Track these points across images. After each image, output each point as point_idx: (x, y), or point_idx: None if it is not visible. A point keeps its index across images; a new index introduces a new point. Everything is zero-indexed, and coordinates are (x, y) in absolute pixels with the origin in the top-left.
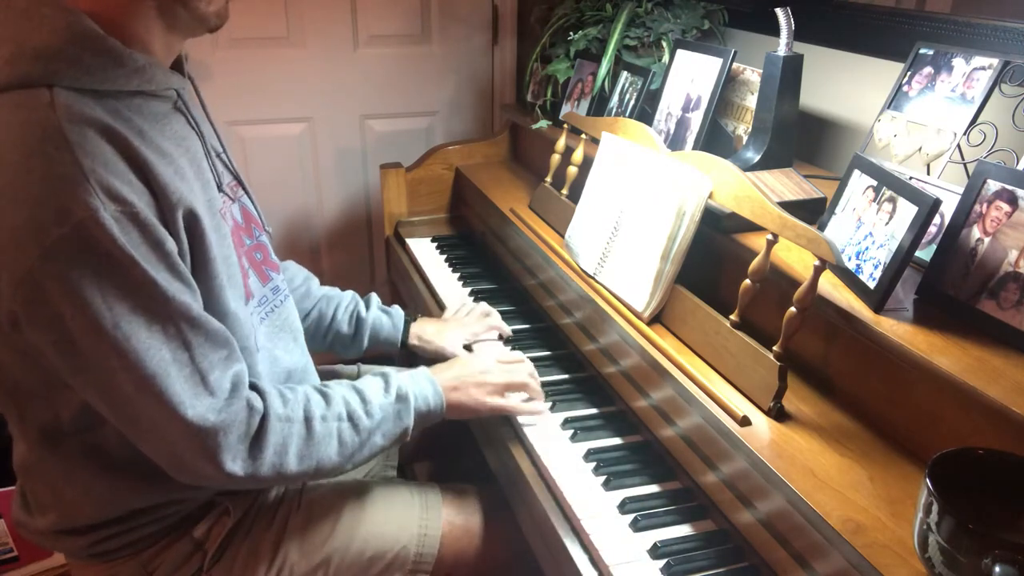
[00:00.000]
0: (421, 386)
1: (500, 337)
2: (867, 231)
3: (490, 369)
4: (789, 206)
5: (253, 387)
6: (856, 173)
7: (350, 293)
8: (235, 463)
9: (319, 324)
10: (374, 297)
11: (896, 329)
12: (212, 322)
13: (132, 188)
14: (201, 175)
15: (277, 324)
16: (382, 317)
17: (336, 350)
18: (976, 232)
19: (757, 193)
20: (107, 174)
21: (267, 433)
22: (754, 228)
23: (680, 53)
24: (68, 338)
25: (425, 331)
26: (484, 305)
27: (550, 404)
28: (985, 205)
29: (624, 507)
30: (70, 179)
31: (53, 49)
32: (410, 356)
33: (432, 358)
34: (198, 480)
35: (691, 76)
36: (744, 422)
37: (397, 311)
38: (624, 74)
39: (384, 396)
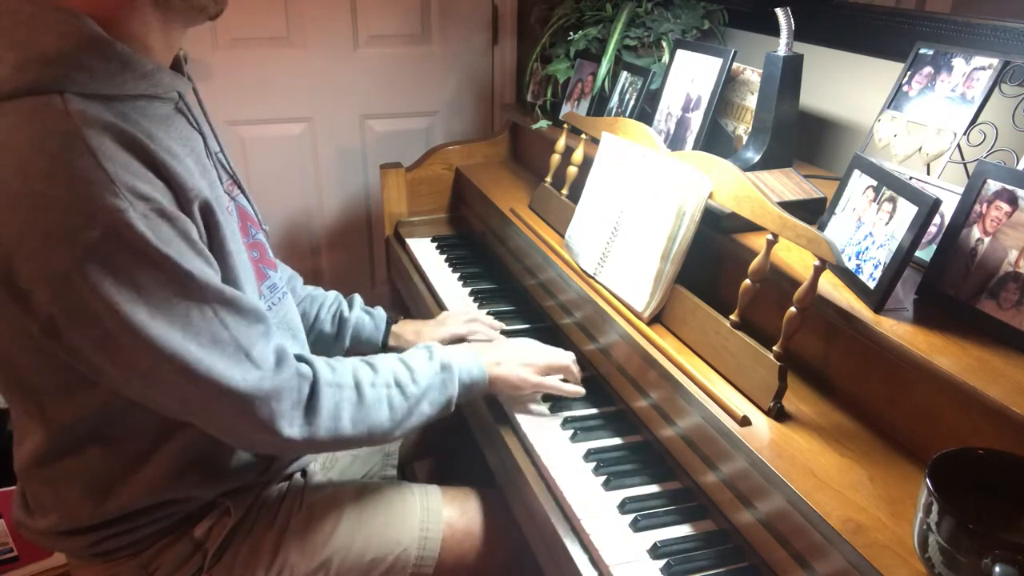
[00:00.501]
0: (464, 358)
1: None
2: (867, 231)
3: (534, 349)
4: (789, 206)
5: (301, 358)
6: (856, 173)
7: (333, 293)
8: (292, 428)
9: (303, 323)
10: (357, 298)
11: (896, 329)
12: (246, 300)
13: (154, 186)
14: (207, 174)
15: (275, 322)
16: (364, 318)
17: (319, 350)
18: (976, 232)
19: (757, 193)
20: (129, 175)
21: (319, 399)
22: (754, 228)
23: (680, 53)
24: (109, 337)
25: (405, 332)
26: (472, 309)
27: (549, 404)
28: (985, 205)
29: (624, 507)
30: (96, 183)
31: (62, 55)
32: None
33: None
34: (258, 448)
35: (691, 76)
36: (744, 422)
37: (379, 312)
38: (624, 74)
39: (428, 365)
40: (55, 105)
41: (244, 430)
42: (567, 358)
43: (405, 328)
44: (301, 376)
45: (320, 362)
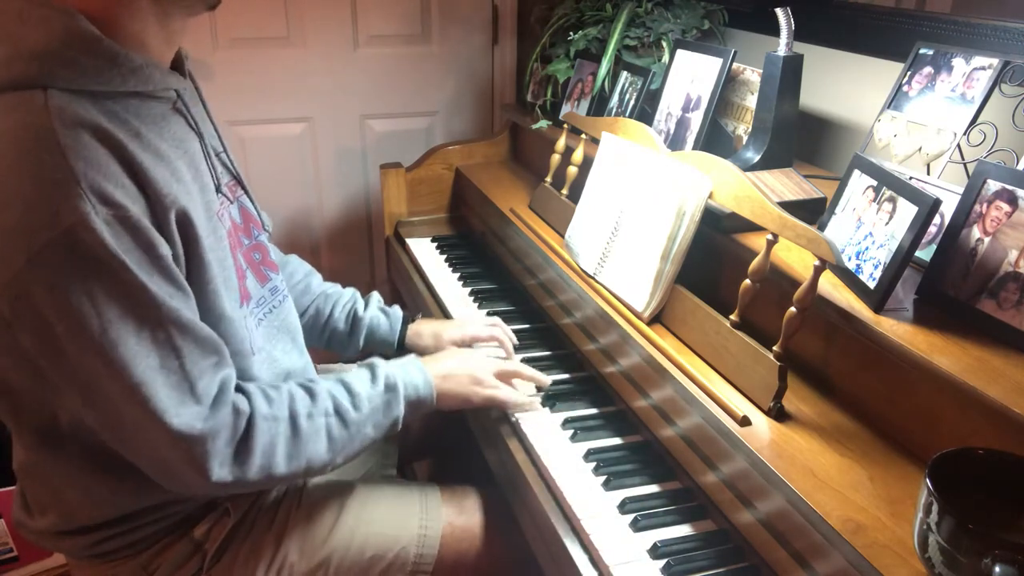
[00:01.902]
0: (410, 375)
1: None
2: (867, 231)
3: (482, 360)
4: (789, 206)
5: (238, 388)
6: (856, 173)
7: (351, 290)
8: (223, 468)
9: (316, 321)
10: (375, 296)
11: (896, 329)
12: (203, 328)
13: (125, 191)
14: (199, 178)
15: (275, 325)
16: (380, 317)
17: (334, 348)
18: (976, 232)
19: (757, 193)
20: (99, 178)
21: (254, 435)
22: (754, 228)
23: (680, 53)
24: (55, 343)
25: (422, 333)
26: (495, 318)
27: (540, 397)
28: (985, 205)
29: (624, 507)
30: (61, 183)
31: (49, 50)
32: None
33: None
34: (186, 489)
35: (691, 76)
36: (744, 422)
37: (396, 312)
38: (624, 74)
39: (372, 387)
40: (35, 100)
41: (175, 466)
42: (515, 364)
43: (422, 328)
44: (237, 412)
45: (257, 393)
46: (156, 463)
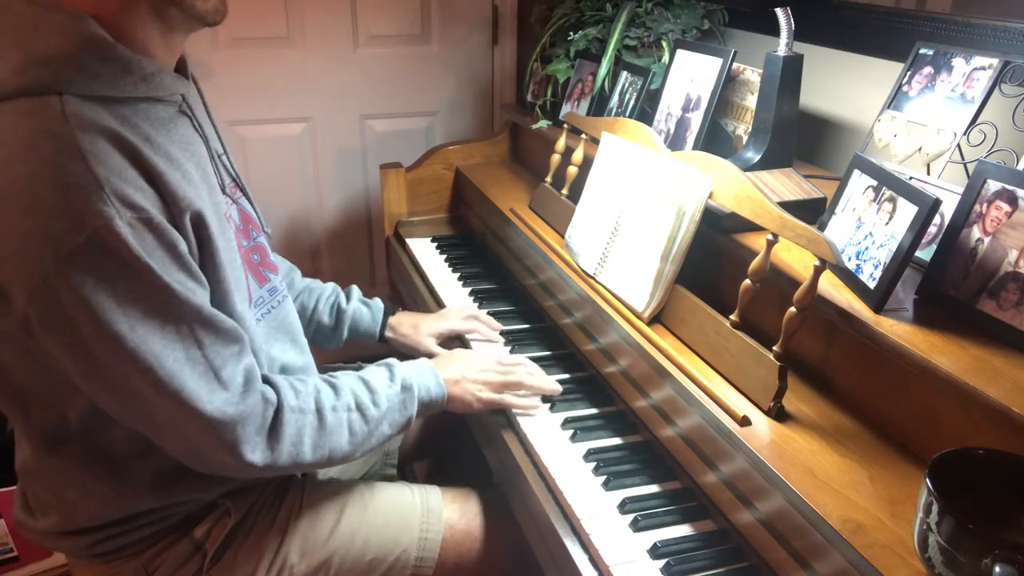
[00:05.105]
0: (424, 377)
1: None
2: (867, 231)
3: (491, 368)
4: (789, 206)
5: (266, 380)
6: (856, 173)
7: (331, 285)
8: (254, 454)
9: (301, 315)
10: (355, 289)
11: (896, 329)
12: (223, 319)
13: (144, 194)
14: (207, 179)
15: (274, 325)
16: (362, 309)
17: (318, 342)
18: (976, 232)
19: (757, 193)
20: (120, 182)
21: (282, 424)
22: (754, 228)
23: (680, 53)
24: (83, 343)
25: (401, 324)
26: (472, 307)
27: (550, 404)
28: (985, 205)
29: (624, 507)
30: (85, 188)
31: (63, 56)
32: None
33: (406, 353)
34: (218, 471)
35: (691, 76)
36: (744, 422)
37: (377, 304)
38: (624, 74)
39: (389, 386)
40: (52, 106)
41: (207, 452)
42: (522, 375)
43: (402, 321)
44: (266, 401)
45: (285, 385)
46: (190, 450)
